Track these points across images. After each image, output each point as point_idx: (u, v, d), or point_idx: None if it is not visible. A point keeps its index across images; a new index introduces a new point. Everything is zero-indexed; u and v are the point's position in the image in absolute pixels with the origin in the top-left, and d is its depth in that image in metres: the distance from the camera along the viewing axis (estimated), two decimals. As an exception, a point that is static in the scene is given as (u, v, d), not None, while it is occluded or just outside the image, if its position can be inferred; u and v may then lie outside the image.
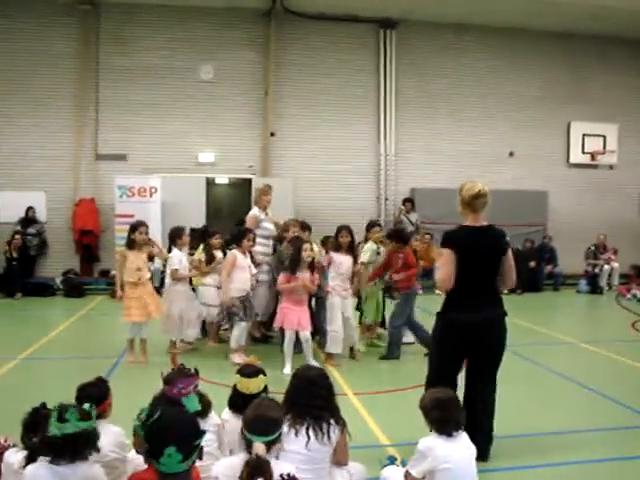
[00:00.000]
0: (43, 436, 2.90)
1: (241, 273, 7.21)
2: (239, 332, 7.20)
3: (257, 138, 14.71)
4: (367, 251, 7.86)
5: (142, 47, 14.23)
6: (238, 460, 3.04)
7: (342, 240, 7.40)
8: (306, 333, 6.92)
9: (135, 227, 7.29)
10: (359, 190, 15.13)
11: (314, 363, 6.50)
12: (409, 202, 14.55)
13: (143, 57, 14.22)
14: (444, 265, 4.38)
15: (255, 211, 8.11)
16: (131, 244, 7.22)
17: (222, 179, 14.86)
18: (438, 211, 13.71)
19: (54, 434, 2.81)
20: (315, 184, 14.61)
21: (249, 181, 13.90)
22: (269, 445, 3.11)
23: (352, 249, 7.54)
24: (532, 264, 14.45)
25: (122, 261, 7.21)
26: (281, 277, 7.00)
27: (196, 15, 14.36)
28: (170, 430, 2.32)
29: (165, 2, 14.13)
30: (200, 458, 2.41)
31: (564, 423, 5.32)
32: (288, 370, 6.66)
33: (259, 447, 3.03)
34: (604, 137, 16.26)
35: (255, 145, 14.72)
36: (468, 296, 4.35)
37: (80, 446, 2.88)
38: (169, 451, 2.24)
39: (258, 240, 7.76)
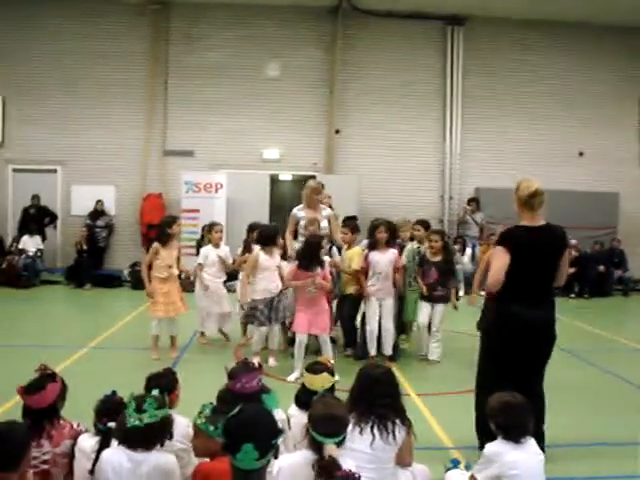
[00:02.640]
0: (120, 425, 2.99)
1: (266, 274, 6.81)
2: (258, 337, 6.92)
3: (322, 135, 14.75)
4: (405, 252, 7.52)
5: (210, 45, 14.47)
6: (302, 458, 3.04)
7: (379, 236, 7.08)
8: (324, 336, 6.53)
9: (172, 221, 7.21)
10: (424, 188, 14.98)
11: None
12: (474, 201, 14.33)
13: (211, 55, 14.45)
14: (495, 264, 4.33)
15: (295, 209, 7.67)
16: (165, 240, 7.05)
17: (286, 176, 14.95)
18: (503, 211, 13.35)
19: (135, 424, 2.88)
20: (380, 182, 14.55)
21: (313, 178, 13.89)
22: (338, 445, 3.10)
23: (392, 245, 7.17)
24: (601, 268, 14.01)
25: (152, 256, 7.05)
26: (290, 272, 6.63)
27: (263, 13, 14.50)
28: (250, 427, 2.33)
29: (232, 1, 14.32)
30: (276, 457, 2.41)
31: (632, 433, 5.13)
32: (294, 377, 6.35)
33: (332, 449, 3.00)
34: (679, 135, 15.60)
35: (320, 142, 14.76)
36: (521, 291, 4.27)
37: (157, 434, 2.96)
38: (246, 448, 2.25)
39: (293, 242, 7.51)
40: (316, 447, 3.02)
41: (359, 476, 2.73)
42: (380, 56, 14.83)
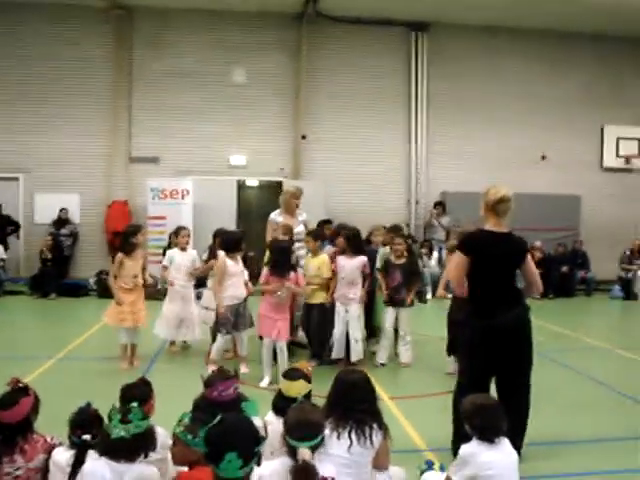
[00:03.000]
0: (103, 436, 2.96)
1: (233, 280, 6.76)
2: (220, 344, 6.84)
3: (288, 141, 14.77)
4: (378, 256, 7.59)
5: (175, 51, 14.39)
6: (280, 465, 3.06)
7: (338, 242, 7.20)
8: (282, 343, 6.52)
9: (136, 230, 7.14)
10: (390, 193, 15.10)
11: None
12: (440, 205, 14.50)
13: (176, 61, 14.37)
14: (454, 268, 4.47)
15: (273, 214, 7.88)
16: (129, 249, 6.96)
17: (253, 182, 14.94)
18: (469, 215, 13.53)
19: (120, 435, 2.86)
20: (346, 187, 14.62)
21: (280, 184, 13.93)
22: (313, 449, 3.12)
23: (361, 252, 7.15)
24: (564, 269, 14.29)
25: (118, 267, 6.95)
26: (262, 276, 6.61)
27: (228, 19, 14.49)
28: (232, 435, 2.33)
29: (197, 7, 14.27)
30: (258, 465, 2.42)
31: (600, 430, 5.25)
32: (266, 382, 6.40)
33: (305, 453, 3.03)
34: (639, 140, 16.01)
35: (286, 148, 14.78)
36: (485, 301, 4.39)
37: (142, 445, 2.95)
38: (230, 457, 2.25)
39: None
40: (292, 453, 3.05)
41: (333, 479, 2.75)
42: (345, 62, 14.92)
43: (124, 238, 7.09)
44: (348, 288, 7.02)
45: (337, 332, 7.07)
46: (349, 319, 7.04)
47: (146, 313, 7.18)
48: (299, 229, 7.73)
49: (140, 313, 7.04)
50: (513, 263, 4.47)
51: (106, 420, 3.06)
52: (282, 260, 6.51)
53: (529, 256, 4.55)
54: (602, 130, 15.99)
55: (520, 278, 4.62)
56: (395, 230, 7.85)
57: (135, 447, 2.93)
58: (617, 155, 16.04)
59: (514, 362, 4.45)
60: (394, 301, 7.29)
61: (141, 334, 7.31)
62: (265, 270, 6.61)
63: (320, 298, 7.19)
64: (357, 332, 7.08)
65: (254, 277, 7.19)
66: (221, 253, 6.99)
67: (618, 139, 15.99)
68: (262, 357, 6.59)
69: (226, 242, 7.00)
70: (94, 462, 2.95)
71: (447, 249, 7.84)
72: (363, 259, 7.10)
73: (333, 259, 7.24)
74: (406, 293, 7.31)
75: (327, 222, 9.05)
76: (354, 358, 7.06)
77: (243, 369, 6.87)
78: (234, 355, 7.40)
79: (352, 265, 7.03)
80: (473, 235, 4.56)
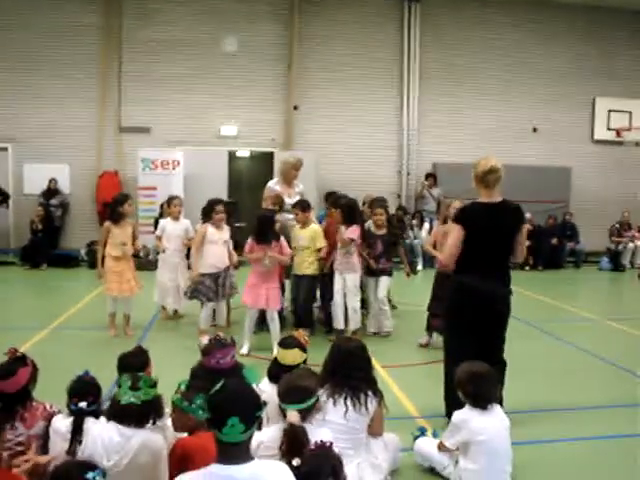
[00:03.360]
0: (113, 401, 3.04)
1: (213, 248, 6.82)
2: (205, 312, 6.92)
3: (280, 111, 14.67)
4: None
5: (165, 20, 14.16)
6: (278, 431, 3.13)
7: (333, 213, 7.27)
8: (273, 312, 6.56)
9: (123, 200, 7.15)
10: (382, 164, 15.07)
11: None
12: (431, 177, 14.52)
13: (166, 30, 14.14)
14: (450, 239, 4.49)
15: (271, 182, 7.92)
16: (117, 218, 7.02)
17: (244, 152, 14.86)
18: (461, 186, 13.46)
19: (131, 402, 2.93)
20: (338, 158, 14.57)
21: (271, 154, 13.89)
22: (303, 413, 3.19)
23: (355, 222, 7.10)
24: (554, 241, 14.40)
25: (106, 235, 7.01)
26: (247, 246, 6.62)
27: (219, -14, 14.29)
28: (234, 401, 2.37)
29: (188, -26, 14.06)
30: (259, 429, 2.47)
31: (588, 398, 5.37)
32: (245, 350, 6.42)
33: (292, 415, 3.12)
34: (630, 113, 16.00)
35: (278, 118, 14.68)
36: (476, 264, 4.41)
37: (151, 411, 3.02)
38: (232, 421, 2.29)
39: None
40: (283, 415, 3.12)
41: (330, 444, 2.81)
42: (338, 32, 14.76)
43: (112, 207, 7.14)
44: (345, 257, 7.02)
45: (335, 302, 7.09)
46: (347, 288, 7.04)
47: (137, 284, 7.18)
48: (296, 199, 7.71)
49: (129, 283, 7.05)
50: (509, 233, 4.48)
51: (104, 388, 3.12)
52: (265, 229, 6.51)
53: (524, 225, 4.60)
54: (593, 102, 15.96)
55: None
56: (375, 202, 7.83)
57: (144, 413, 3.02)
58: (608, 128, 16.04)
59: (497, 325, 4.52)
60: (374, 271, 7.32)
61: (134, 304, 7.33)
62: (249, 239, 6.60)
63: (310, 269, 7.17)
64: (355, 301, 7.09)
65: (241, 247, 7.18)
66: (205, 224, 7.03)
67: (609, 111, 15.98)
68: (245, 325, 6.62)
69: (202, 209, 7.12)
70: (102, 426, 3.01)
71: (439, 220, 7.81)
72: (356, 228, 7.05)
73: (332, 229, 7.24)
74: (388, 263, 7.37)
75: (331, 194, 9.04)
76: (352, 327, 7.09)
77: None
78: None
79: (348, 235, 6.98)
80: (467, 207, 4.59)
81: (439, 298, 6.63)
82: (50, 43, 13.80)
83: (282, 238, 6.75)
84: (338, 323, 7.11)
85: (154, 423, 3.06)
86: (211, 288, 6.80)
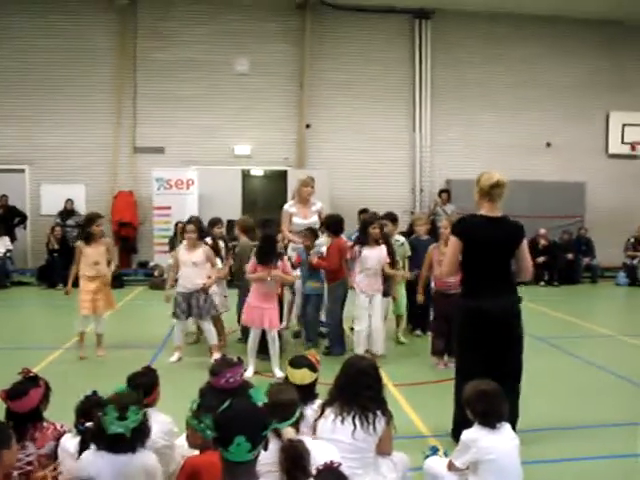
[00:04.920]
0: (99, 430, 2.97)
1: (183, 269, 6.95)
2: (176, 329, 7.09)
3: (293, 130, 14.78)
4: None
5: (178, 41, 14.39)
6: (272, 449, 3.13)
7: (373, 232, 6.83)
8: (274, 332, 6.51)
9: (92, 219, 7.09)
10: (395, 181, 15.12)
11: (278, 371, 6.32)
12: (445, 193, 14.47)
13: (179, 51, 14.37)
14: (448, 252, 4.50)
15: (286, 205, 8.05)
16: (88, 237, 6.99)
17: (258, 171, 14.97)
18: (474, 202, 13.59)
19: (118, 432, 2.90)
20: (351, 176, 14.64)
21: (285, 173, 13.99)
22: (295, 426, 3.20)
23: (384, 243, 7.00)
24: (569, 256, 14.29)
25: (78, 255, 6.98)
26: (250, 266, 6.54)
27: (231, 8, 14.49)
28: (241, 419, 2.39)
29: (201, -4, 14.27)
30: (265, 449, 2.48)
31: (604, 416, 5.30)
32: (250, 372, 6.32)
33: (288, 432, 3.12)
34: (644, 127, 15.96)
35: (291, 137, 14.79)
36: (480, 284, 4.40)
37: (141, 436, 3.00)
38: (239, 440, 2.30)
39: (292, 236, 7.77)
40: (276, 434, 3.10)
41: (339, 464, 2.81)
42: (349, 50, 14.90)
43: (83, 226, 7.20)
44: (371, 278, 6.83)
45: (360, 328, 6.83)
46: (373, 311, 6.83)
47: (111, 304, 7.25)
48: (312, 219, 7.80)
49: (98, 302, 7.00)
50: (508, 248, 4.46)
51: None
52: (268, 249, 6.49)
53: (524, 241, 4.53)
54: (607, 116, 15.94)
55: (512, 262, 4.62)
56: (390, 219, 7.87)
57: (135, 439, 2.97)
58: (622, 141, 15.99)
59: (502, 349, 4.44)
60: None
61: (139, 323, 7.36)
62: (252, 260, 6.55)
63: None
64: (379, 322, 6.89)
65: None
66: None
67: (623, 125, 15.95)
68: (248, 347, 6.60)
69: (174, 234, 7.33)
70: (92, 453, 2.98)
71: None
72: (383, 250, 6.92)
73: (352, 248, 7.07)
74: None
75: (364, 211, 9.04)
76: (380, 350, 6.87)
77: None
78: (197, 340, 7.70)
79: (375, 255, 6.84)
80: (466, 220, 4.57)
81: (441, 318, 6.64)
82: (66, 65, 14.06)
83: (285, 258, 6.78)
84: (359, 348, 6.79)
85: (143, 445, 3.04)
86: (180, 307, 6.92)
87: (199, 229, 7.10)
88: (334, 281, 7.28)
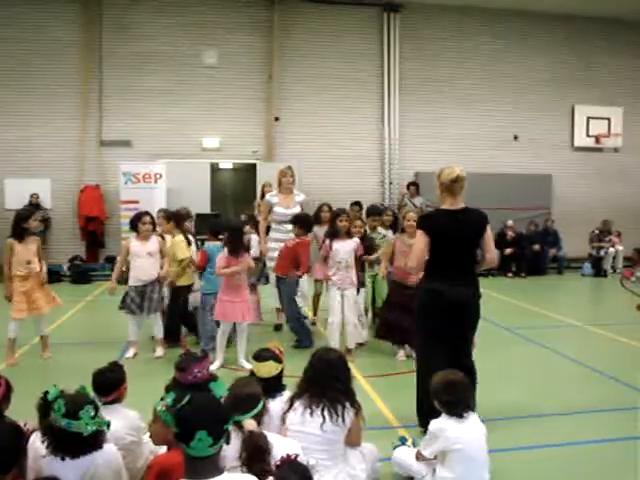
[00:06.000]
0: (52, 433, 2.93)
1: (138, 261, 6.81)
2: (130, 325, 6.92)
3: (261, 123, 14.70)
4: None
5: (144, 33, 14.18)
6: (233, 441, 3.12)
7: (340, 225, 6.80)
8: (244, 324, 6.46)
9: (26, 216, 6.66)
10: (364, 174, 15.14)
11: (245, 363, 6.28)
12: (413, 186, 14.55)
13: (146, 43, 14.17)
14: (415, 248, 4.56)
15: (268, 195, 8.15)
16: (20, 235, 6.53)
17: (227, 164, 14.85)
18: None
19: (72, 431, 2.86)
20: (320, 169, 14.60)
21: (254, 166, 13.92)
22: (257, 418, 3.22)
23: (361, 238, 7.05)
24: (536, 247, 14.50)
25: (9, 254, 6.52)
26: (220, 260, 6.37)
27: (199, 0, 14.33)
28: (201, 414, 2.37)
29: (167, -13, 14.10)
30: (227, 443, 2.46)
31: (569, 404, 5.39)
32: (217, 365, 6.33)
33: (249, 423, 3.12)
34: (609, 120, 16.23)
35: (259, 130, 14.70)
36: (441, 273, 4.50)
37: (97, 436, 2.95)
38: (200, 435, 2.29)
39: (273, 226, 7.84)
40: (238, 426, 3.10)
41: (296, 455, 2.81)
42: (318, 43, 14.85)
43: (15, 223, 6.64)
44: (344, 272, 6.75)
45: (333, 320, 6.72)
46: (345, 304, 6.73)
47: (50, 301, 6.83)
48: (295, 209, 7.83)
49: (38, 302, 6.64)
50: (472, 239, 4.56)
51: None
52: (236, 240, 6.41)
53: (488, 229, 4.62)
54: (572, 110, 16.17)
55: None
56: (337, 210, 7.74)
57: (93, 439, 2.93)
58: (587, 134, 16.24)
59: (464, 331, 4.59)
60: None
61: (106, 319, 7.26)
62: (222, 254, 6.41)
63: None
64: (353, 316, 6.81)
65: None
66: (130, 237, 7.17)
67: (588, 119, 16.18)
68: (216, 340, 6.55)
69: (130, 221, 7.08)
70: (50, 461, 2.93)
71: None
72: (356, 241, 6.90)
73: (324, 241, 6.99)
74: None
75: (356, 204, 9.02)
76: (351, 344, 6.82)
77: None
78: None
79: (347, 248, 6.78)
80: (431, 215, 4.70)
81: (393, 306, 6.65)
82: (30, 58, 13.76)
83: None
84: (332, 341, 6.65)
85: (101, 443, 3.00)
86: (134, 301, 6.79)
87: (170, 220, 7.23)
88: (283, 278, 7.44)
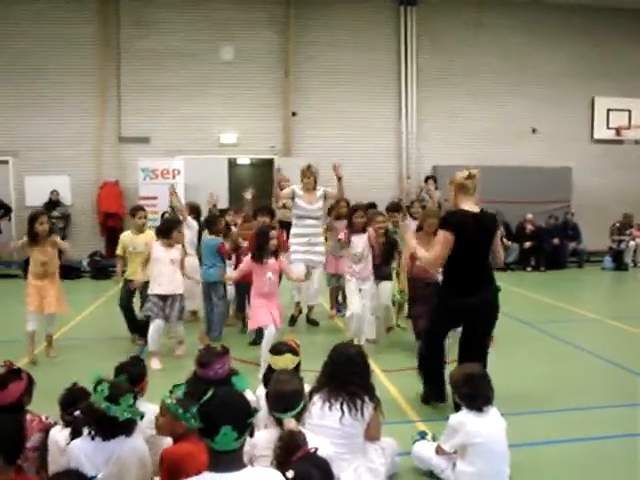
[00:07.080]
0: (91, 413, 3.01)
1: (159, 268, 6.41)
2: (153, 331, 6.35)
3: (279, 118, 14.71)
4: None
5: (162, 30, 14.24)
6: (270, 434, 3.15)
7: (357, 221, 6.81)
8: (274, 329, 5.98)
9: (34, 218, 6.50)
10: (382, 169, 15.09)
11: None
12: (431, 179, 14.46)
13: (163, 40, 14.22)
14: (439, 245, 4.60)
15: (294, 185, 8.14)
16: (34, 238, 6.42)
17: (244, 160, 14.91)
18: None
19: (110, 415, 2.96)
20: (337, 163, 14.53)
21: (271, 161, 13.95)
22: (297, 417, 3.21)
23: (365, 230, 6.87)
24: (555, 241, 14.37)
25: (24, 253, 6.63)
26: (244, 264, 6.24)
27: (215, -5, 14.36)
28: (226, 409, 2.39)
29: (184, -17, 14.12)
30: (251, 436, 2.48)
31: (590, 399, 5.35)
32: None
33: (290, 422, 3.12)
34: (629, 112, 16.05)
35: (277, 125, 14.72)
36: (466, 278, 4.61)
37: (131, 422, 3.01)
38: (225, 430, 2.31)
39: (295, 222, 7.88)
40: (278, 423, 3.13)
41: (316, 449, 2.82)
42: (334, 38, 14.82)
43: (27, 225, 6.55)
44: (360, 264, 6.77)
45: (354, 312, 6.63)
46: (362, 297, 6.73)
47: (61, 304, 6.73)
48: (317, 205, 7.99)
49: (48, 299, 6.53)
50: (489, 241, 4.71)
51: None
52: (261, 245, 6.11)
53: (498, 231, 4.90)
54: (592, 102, 15.99)
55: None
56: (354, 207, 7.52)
57: (127, 424, 3.03)
58: (607, 127, 16.07)
59: (480, 333, 4.73)
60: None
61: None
62: (247, 260, 6.24)
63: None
64: (370, 310, 6.81)
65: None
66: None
67: (608, 110, 16.01)
68: (262, 348, 6.07)
69: (159, 227, 6.84)
70: (80, 442, 3.02)
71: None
72: (369, 230, 6.86)
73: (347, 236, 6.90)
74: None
75: (372, 206, 9.11)
76: (372, 335, 6.86)
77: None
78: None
79: (362, 241, 6.77)
80: (455, 214, 4.69)
81: (420, 300, 6.54)
82: (49, 55, 13.88)
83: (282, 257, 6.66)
84: (359, 334, 6.62)
85: (133, 431, 3.08)
86: (158, 305, 6.41)
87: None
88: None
